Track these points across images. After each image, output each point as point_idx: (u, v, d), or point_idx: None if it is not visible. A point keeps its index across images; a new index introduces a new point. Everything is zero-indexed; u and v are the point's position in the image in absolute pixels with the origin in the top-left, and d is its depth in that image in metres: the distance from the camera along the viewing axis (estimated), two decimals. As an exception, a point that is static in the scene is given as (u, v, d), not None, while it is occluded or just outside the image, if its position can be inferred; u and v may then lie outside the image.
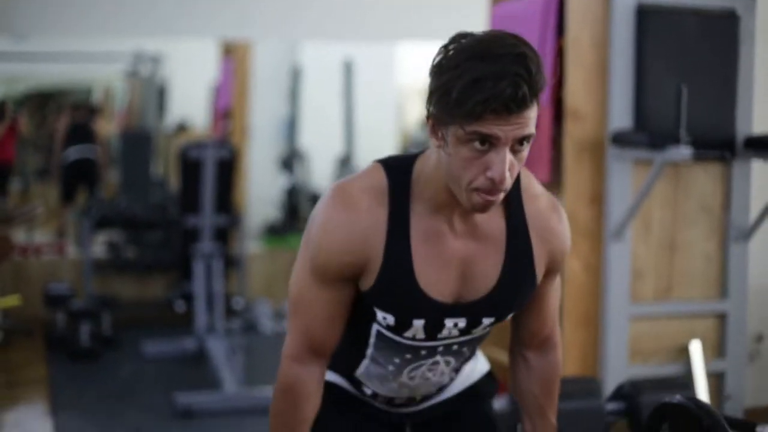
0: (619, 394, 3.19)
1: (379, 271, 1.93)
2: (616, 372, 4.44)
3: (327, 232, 1.92)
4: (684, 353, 4.70)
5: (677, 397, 2.29)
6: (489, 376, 2.38)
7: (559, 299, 2.21)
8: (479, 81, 1.67)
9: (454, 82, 1.70)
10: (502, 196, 1.80)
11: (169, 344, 7.29)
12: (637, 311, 4.63)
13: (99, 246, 8.80)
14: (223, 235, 7.51)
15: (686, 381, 3.24)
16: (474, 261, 1.97)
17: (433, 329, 2.01)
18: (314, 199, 10.56)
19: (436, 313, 1.98)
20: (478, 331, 2.06)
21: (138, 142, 9.46)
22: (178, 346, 7.25)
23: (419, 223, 1.93)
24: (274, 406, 2.08)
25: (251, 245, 9.32)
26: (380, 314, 1.99)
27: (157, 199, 8.59)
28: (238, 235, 8.50)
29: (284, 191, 10.80)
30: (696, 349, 4.69)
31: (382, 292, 1.95)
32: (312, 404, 2.06)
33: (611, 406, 3.14)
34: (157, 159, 9.94)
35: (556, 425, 2.26)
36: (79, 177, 9.35)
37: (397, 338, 2.04)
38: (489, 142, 1.73)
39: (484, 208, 1.81)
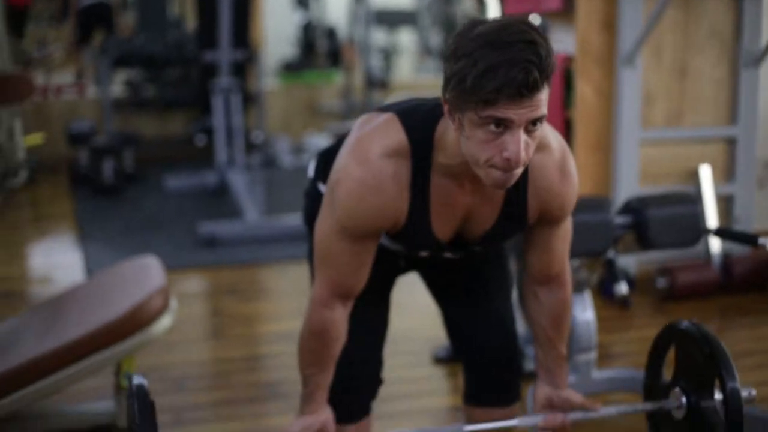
0: (628, 208, 3.28)
1: (403, 225, 2.08)
2: (628, 193, 4.57)
3: (357, 200, 2.01)
4: (694, 177, 4.80)
5: (684, 323, 2.38)
6: None
7: (569, 245, 2.30)
8: (492, 68, 1.74)
9: (469, 70, 1.76)
10: (520, 171, 1.88)
11: (191, 178, 7.45)
12: (648, 136, 4.72)
13: (118, 86, 8.87)
14: (240, 70, 7.56)
15: (692, 196, 3.30)
16: (475, 212, 2.11)
17: (435, 255, 2.26)
18: (330, 34, 10.55)
19: (439, 248, 2.18)
20: (472, 251, 2.27)
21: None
22: (200, 179, 7.40)
23: (436, 184, 2.04)
24: (304, 345, 2.22)
25: (269, 82, 9.37)
26: (392, 243, 2.21)
27: (174, 37, 8.58)
28: (256, 72, 8.56)
29: (300, 28, 10.77)
30: (705, 172, 4.79)
31: (400, 237, 2.12)
32: (340, 342, 2.22)
33: (619, 220, 3.24)
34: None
35: (566, 355, 2.41)
36: (94, 18, 9.33)
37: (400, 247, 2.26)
38: (504, 125, 1.80)
39: (503, 184, 1.89)
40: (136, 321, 3.09)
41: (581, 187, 4.61)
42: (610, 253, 3.33)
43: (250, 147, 7.99)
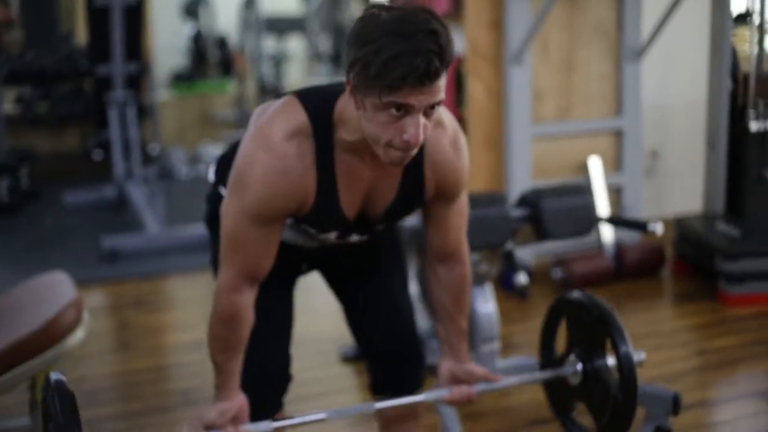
0: (523, 201, 3.42)
1: (312, 206, 2.15)
2: (521, 188, 4.70)
3: (265, 185, 2.08)
4: (585, 169, 4.97)
5: (573, 294, 2.51)
6: None
7: (466, 221, 2.40)
8: (395, 57, 1.83)
9: (372, 57, 1.85)
10: (415, 151, 1.99)
11: (90, 193, 7.41)
12: (539, 131, 4.87)
13: (9, 103, 8.76)
14: (134, 83, 7.54)
15: (585, 188, 3.45)
16: (377, 187, 2.20)
17: (342, 236, 2.31)
18: (221, 44, 10.56)
19: (347, 228, 2.26)
20: (375, 231, 2.35)
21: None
22: (99, 194, 7.37)
23: (341, 161, 2.12)
24: (213, 333, 2.26)
25: (161, 93, 9.36)
26: (303, 225, 2.25)
27: (65, 51, 8.52)
28: (149, 84, 8.54)
29: (190, 38, 10.76)
30: (595, 164, 4.96)
31: (311, 218, 2.19)
32: (248, 326, 2.27)
33: (516, 213, 3.37)
34: (62, 12, 9.79)
35: (466, 330, 2.50)
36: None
37: (311, 233, 2.31)
38: (405, 109, 1.90)
39: (400, 162, 2.00)
40: (50, 335, 3.12)
41: (476, 184, 4.77)
42: (509, 246, 3.45)
43: (147, 159, 7.98)
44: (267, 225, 2.14)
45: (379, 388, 2.65)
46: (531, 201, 3.37)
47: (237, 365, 2.30)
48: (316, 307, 4.13)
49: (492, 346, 3.49)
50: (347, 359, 4.03)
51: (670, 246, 5.11)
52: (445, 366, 2.49)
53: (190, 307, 5.04)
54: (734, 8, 4.75)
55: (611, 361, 2.39)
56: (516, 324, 4.40)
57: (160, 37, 9.69)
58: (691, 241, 4.83)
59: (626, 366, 2.32)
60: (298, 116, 2.09)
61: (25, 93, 8.73)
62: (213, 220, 2.43)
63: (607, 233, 4.91)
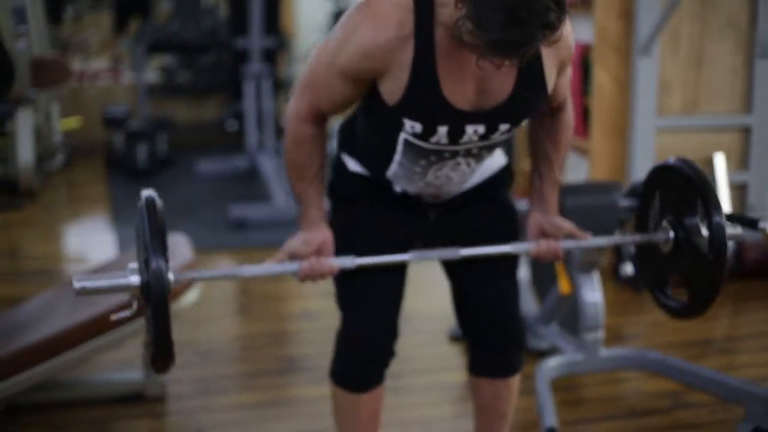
0: (633, 192, 3.40)
1: (408, 84, 2.13)
2: (642, 180, 4.65)
3: (357, 40, 2.11)
4: (708, 165, 4.90)
5: (672, 160, 2.46)
6: (506, 168, 2.61)
7: (570, 77, 2.39)
8: (502, 44, 1.84)
9: (484, 25, 1.83)
10: None
11: (222, 162, 7.60)
12: (663, 124, 4.83)
13: (153, 71, 9.03)
14: (271, 57, 7.69)
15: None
16: (489, 77, 2.15)
17: (455, 134, 2.21)
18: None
19: (458, 120, 2.18)
20: (496, 137, 2.27)
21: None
22: (231, 164, 7.56)
23: (442, 43, 2.11)
24: (289, 160, 2.33)
25: (300, 68, 9.51)
26: (408, 123, 2.19)
27: (209, 23, 8.73)
28: (287, 58, 8.70)
29: (332, 15, 10.88)
30: (720, 161, 4.89)
31: (410, 103, 2.16)
32: (321, 155, 2.32)
33: (625, 203, 3.36)
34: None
35: (560, 182, 2.51)
36: (131, 5, 9.48)
37: (422, 144, 2.25)
38: None
39: None
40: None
41: (597, 173, 4.76)
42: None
43: (280, 132, 8.14)
44: (350, 80, 2.16)
45: (477, 368, 2.68)
46: (640, 192, 3.35)
47: (315, 194, 2.34)
48: (428, 284, 4.18)
49: (596, 334, 3.49)
50: (455, 338, 4.08)
51: (794, 247, 5.01)
52: (534, 219, 2.51)
53: (308, 279, 5.15)
54: None
55: (702, 227, 2.34)
56: (628, 316, 4.39)
57: (303, 13, 9.83)
58: (815, 243, 4.74)
59: (716, 228, 2.27)
60: None
61: (169, 62, 8.98)
62: (335, 190, 2.51)
63: (728, 230, 4.83)
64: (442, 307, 4.33)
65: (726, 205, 4.85)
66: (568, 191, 3.43)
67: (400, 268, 2.55)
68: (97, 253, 5.44)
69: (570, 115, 2.46)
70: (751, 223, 3.25)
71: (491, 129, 2.22)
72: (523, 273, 4.12)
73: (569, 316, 3.71)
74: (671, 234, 2.41)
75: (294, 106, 2.27)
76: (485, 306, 2.57)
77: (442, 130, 2.19)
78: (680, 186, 2.39)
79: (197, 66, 8.89)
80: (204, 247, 5.26)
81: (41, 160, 7.30)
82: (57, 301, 3.62)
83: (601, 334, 3.50)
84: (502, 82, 2.16)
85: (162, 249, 2.01)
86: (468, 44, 1.93)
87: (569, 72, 2.36)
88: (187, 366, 3.82)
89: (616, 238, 2.57)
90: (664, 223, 2.44)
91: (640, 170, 4.76)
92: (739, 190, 5.06)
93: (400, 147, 2.28)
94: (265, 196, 6.60)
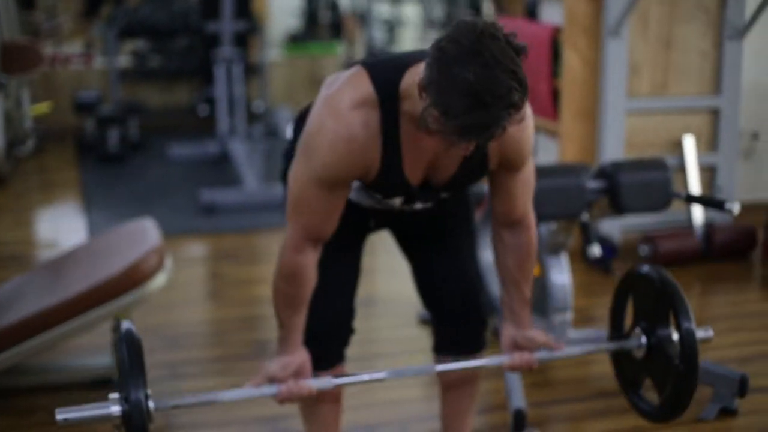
0: (601, 173, 3.41)
1: (377, 173, 2.20)
2: (611, 162, 4.67)
3: (331, 150, 2.14)
4: (678, 147, 4.93)
5: (644, 267, 2.50)
6: None
7: (532, 189, 2.42)
8: (469, 128, 1.86)
9: (448, 111, 1.85)
10: None
11: (194, 147, 7.58)
12: (633, 105, 4.84)
13: (125, 56, 8.99)
14: (243, 41, 7.66)
15: (661, 162, 3.43)
16: (440, 158, 2.23)
17: (408, 201, 2.35)
18: (333, 7, 10.65)
19: (412, 194, 2.30)
20: (441, 199, 2.39)
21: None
22: (202, 148, 7.54)
23: (405, 131, 2.17)
24: (277, 289, 2.34)
25: (273, 53, 9.48)
26: (369, 191, 2.30)
27: (181, 8, 8.70)
28: (259, 42, 8.67)
29: (304, 0, 10.87)
30: (689, 142, 4.91)
31: (376, 184, 2.25)
32: (311, 285, 2.34)
33: (593, 185, 3.37)
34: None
35: (529, 297, 2.53)
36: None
37: (379, 197, 2.35)
38: None
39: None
40: (132, 278, 3.26)
41: (567, 155, 4.77)
42: (585, 217, 3.46)
43: (251, 117, 8.12)
44: (332, 190, 2.20)
45: (441, 348, 2.70)
46: (608, 173, 3.36)
47: (299, 321, 2.37)
48: (396, 268, 4.18)
49: (564, 316, 3.51)
50: (425, 321, 4.08)
51: (762, 229, 5.03)
52: (507, 332, 2.52)
53: (279, 263, 5.14)
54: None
55: (674, 334, 2.39)
56: (596, 297, 4.40)
57: (276, -1, 9.84)
58: (784, 225, 4.77)
59: (687, 337, 2.32)
60: (365, 87, 2.14)
61: (140, 47, 8.94)
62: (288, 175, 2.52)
63: (698, 212, 4.86)
64: (411, 290, 4.33)
65: (695, 186, 4.87)
66: (535, 173, 3.44)
67: (358, 248, 2.60)
68: (69, 238, 5.42)
69: (533, 234, 2.47)
70: (717, 204, 3.28)
71: (435, 198, 2.37)
72: (490, 255, 4.12)
73: (538, 298, 3.71)
74: (643, 340, 2.47)
75: (286, 240, 2.28)
76: (446, 284, 2.61)
77: (398, 200, 2.33)
78: (651, 293, 2.44)
79: (169, 50, 8.86)
80: (174, 232, 5.25)
81: (12, 146, 7.25)
82: (27, 287, 3.61)
83: (569, 315, 3.52)
84: (449, 163, 2.25)
85: (141, 380, 2.10)
86: (435, 132, 1.95)
87: (527, 179, 2.38)
88: (156, 351, 3.81)
89: (590, 347, 2.60)
90: (637, 330, 2.49)
91: (610, 152, 4.77)
92: (708, 172, 5.09)
93: (354, 188, 2.36)
94: (235, 180, 6.59)
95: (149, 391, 2.12)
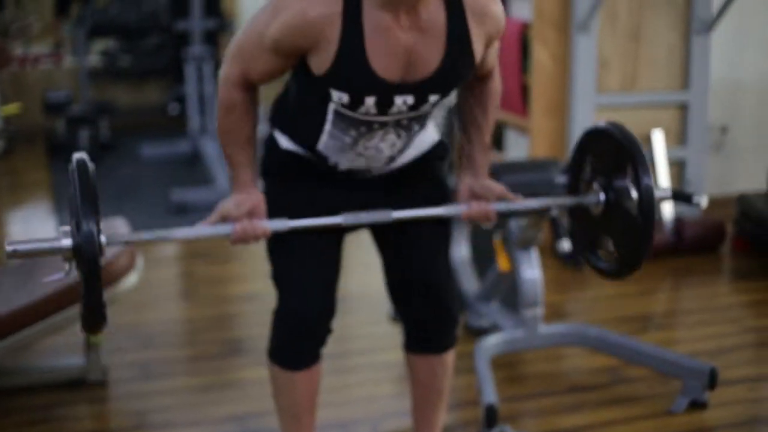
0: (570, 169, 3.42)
1: (335, 56, 2.17)
2: (581, 158, 4.68)
3: (285, 15, 2.14)
4: (647, 141, 4.95)
5: (603, 123, 2.47)
6: (439, 144, 2.63)
7: (498, 48, 2.43)
8: None
9: None
10: None
11: (165, 146, 7.56)
12: (602, 101, 4.86)
13: (95, 55, 8.95)
14: (213, 39, 7.65)
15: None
16: (417, 50, 2.21)
17: (383, 105, 2.26)
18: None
19: (386, 91, 2.23)
20: (425, 108, 2.32)
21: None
22: (174, 147, 7.52)
23: (370, 16, 2.16)
24: (220, 125, 2.35)
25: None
26: (336, 94, 2.23)
27: (150, 6, 8.67)
28: (229, 40, 8.65)
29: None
30: (658, 137, 4.94)
31: (338, 74, 2.20)
32: (252, 120, 2.35)
33: (561, 179, 3.37)
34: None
35: (489, 145, 2.54)
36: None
37: (351, 114, 2.28)
38: None
39: None
40: (102, 278, 3.24)
41: (537, 150, 4.78)
42: (555, 212, 3.47)
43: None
44: (278, 53, 2.20)
45: (412, 345, 2.70)
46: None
47: (247, 159, 2.37)
48: (368, 264, 4.19)
49: (536, 311, 3.52)
50: (395, 318, 4.08)
51: (731, 223, 5.06)
52: (465, 182, 2.53)
53: (253, 261, 5.13)
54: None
55: (632, 190, 2.36)
56: (568, 292, 4.42)
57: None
58: (753, 218, 4.79)
59: (645, 191, 2.30)
60: None
61: (110, 46, 8.90)
62: (267, 167, 2.52)
63: (667, 206, 4.89)
64: (383, 287, 4.35)
65: (664, 181, 4.90)
66: (504, 168, 3.44)
67: (335, 246, 2.57)
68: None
69: (497, 83, 2.50)
70: (685, 198, 3.29)
71: (420, 100, 2.27)
72: (463, 251, 4.13)
73: (509, 293, 3.73)
74: (602, 196, 2.44)
75: (224, 73, 2.29)
76: (416, 282, 2.59)
77: (370, 100, 2.23)
78: (610, 149, 2.42)
79: (139, 49, 8.82)
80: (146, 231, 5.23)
81: (-19, 147, 7.22)
82: (-4, 288, 3.59)
83: (540, 310, 3.52)
84: (431, 54, 2.22)
85: (93, 211, 2.05)
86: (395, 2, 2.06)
87: (497, 45, 2.40)
88: (128, 350, 3.80)
89: (547, 200, 2.59)
90: (595, 186, 2.46)
91: (579, 148, 4.78)
92: (677, 166, 5.12)
93: (329, 117, 2.32)
94: (207, 179, 6.58)
95: (101, 226, 2.05)
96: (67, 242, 2.08)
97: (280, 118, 2.51)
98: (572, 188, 2.60)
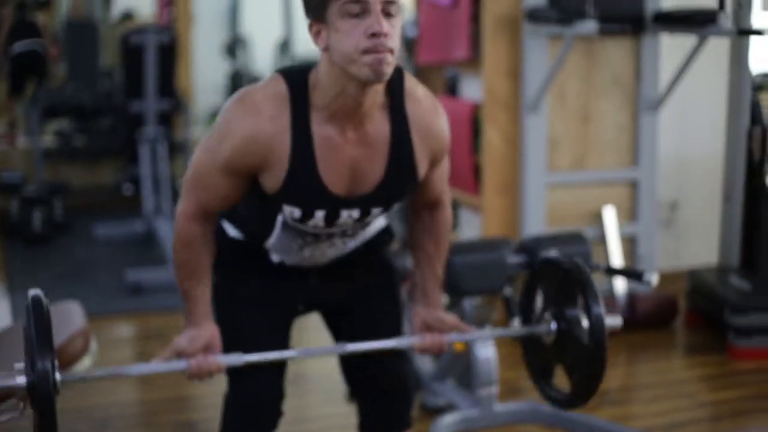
0: (522, 248, 3.47)
1: (287, 174, 2.23)
2: (534, 235, 4.74)
3: (234, 135, 2.21)
4: (599, 218, 5.01)
5: (549, 255, 2.57)
6: (384, 230, 2.67)
7: (447, 172, 2.49)
8: None
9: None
10: (391, 59, 2.10)
11: (119, 227, 7.53)
12: (553, 179, 4.93)
13: (49, 136, 8.94)
14: (167, 120, 7.68)
15: (582, 235, 3.50)
16: (362, 164, 2.28)
17: (331, 218, 2.33)
18: (255, 82, 10.74)
19: (334, 205, 2.30)
20: (369, 219, 2.40)
21: (84, 32, 9.49)
22: (128, 228, 7.49)
23: (318, 129, 2.22)
24: (178, 260, 2.37)
25: (197, 131, 9.49)
26: (287, 209, 2.30)
27: (105, 88, 8.70)
28: (183, 121, 8.69)
29: (228, 77, 10.94)
30: (609, 214, 5.00)
31: (290, 191, 2.26)
32: (210, 254, 2.38)
33: (513, 259, 3.42)
34: (105, 48, 9.99)
35: (442, 278, 2.59)
36: (26, 69, 9.37)
37: (300, 227, 2.35)
38: (362, 6, 2.06)
39: (378, 68, 2.10)
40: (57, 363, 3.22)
41: (489, 229, 4.82)
42: (507, 291, 3.50)
43: (177, 195, 8.09)
44: (232, 176, 2.25)
45: (367, 427, 2.70)
46: (529, 248, 3.42)
47: (204, 293, 2.38)
48: (324, 343, 4.19)
49: (490, 390, 3.54)
50: (352, 399, 4.07)
51: (683, 298, 5.12)
52: (418, 314, 2.57)
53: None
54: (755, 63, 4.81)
55: (583, 318, 2.41)
56: (522, 369, 4.37)
57: (200, 75, 9.85)
58: (704, 293, 4.85)
59: (596, 320, 2.36)
60: (278, 85, 2.22)
61: (65, 126, 8.90)
62: (216, 257, 2.50)
63: (619, 283, 4.94)
64: (338, 367, 4.35)
65: (617, 257, 4.95)
66: (457, 249, 3.48)
67: (285, 329, 2.61)
68: (-9, 322, 5.34)
69: (448, 212, 2.55)
70: (636, 276, 3.34)
71: (365, 212, 2.35)
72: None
73: (464, 372, 3.74)
74: (553, 326, 2.51)
75: (182, 207, 2.33)
76: (371, 365, 2.62)
77: (320, 214, 2.31)
78: (561, 279, 2.48)
79: (93, 130, 8.82)
80: (101, 313, 5.22)
81: (-67, 229, 7.15)
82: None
83: (495, 389, 3.54)
84: (374, 169, 2.29)
85: (48, 349, 2.03)
86: (341, 116, 2.17)
87: (445, 167, 2.46)
88: (82, 435, 3.77)
89: (500, 331, 2.67)
90: (547, 315, 2.53)
91: (531, 226, 4.85)
92: (629, 242, 5.18)
93: (278, 226, 2.37)
94: (162, 259, 6.55)
95: (57, 362, 2.03)
96: (21, 380, 2.06)
97: (229, 213, 2.53)
98: (525, 317, 2.67)
